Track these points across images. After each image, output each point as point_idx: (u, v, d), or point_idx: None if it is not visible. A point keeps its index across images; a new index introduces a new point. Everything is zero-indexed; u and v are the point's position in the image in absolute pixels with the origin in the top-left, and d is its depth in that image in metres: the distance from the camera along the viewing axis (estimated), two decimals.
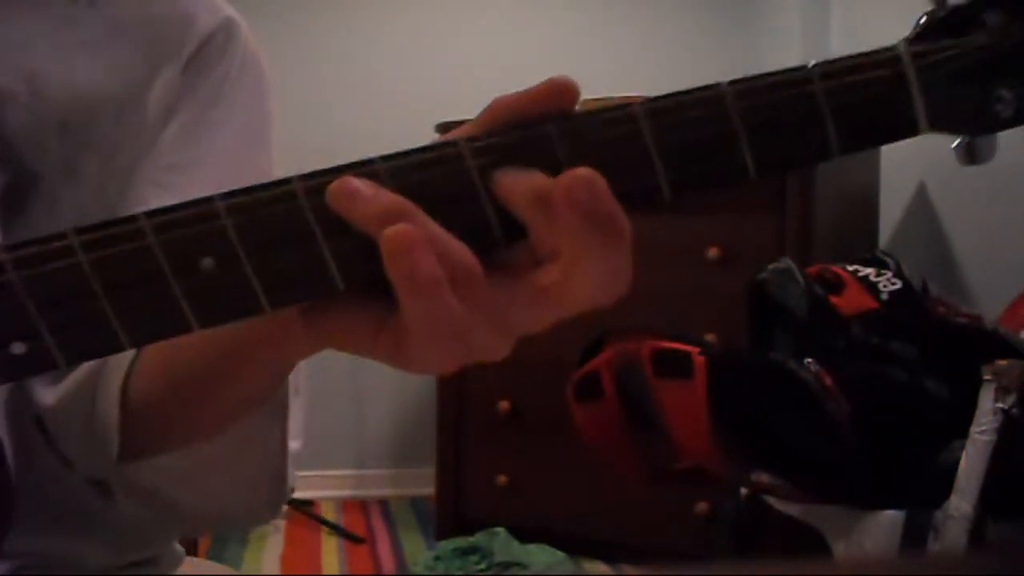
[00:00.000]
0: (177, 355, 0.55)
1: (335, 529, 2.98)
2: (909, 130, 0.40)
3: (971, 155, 0.41)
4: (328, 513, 3.15)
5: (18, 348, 0.41)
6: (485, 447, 2.84)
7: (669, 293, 2.51)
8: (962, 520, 1.44)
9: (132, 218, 0.41)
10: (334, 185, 0.40)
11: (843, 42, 3.22)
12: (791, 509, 1.71)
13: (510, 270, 0.41)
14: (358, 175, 0.41)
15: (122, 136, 0.59)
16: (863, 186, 2.80)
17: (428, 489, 3.13)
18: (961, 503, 1.45)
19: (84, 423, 0.58)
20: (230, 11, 0.65)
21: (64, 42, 0.57)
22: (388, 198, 0.39)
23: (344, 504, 3.31)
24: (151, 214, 0.41)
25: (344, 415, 3.42)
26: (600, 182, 0.39)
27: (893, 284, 1.73)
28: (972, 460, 1.46)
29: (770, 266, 1.78)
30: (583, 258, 0.39)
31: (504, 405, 2.76)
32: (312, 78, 3.29)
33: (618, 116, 0.42)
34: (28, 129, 0.56)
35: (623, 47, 3.47)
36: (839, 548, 1.63)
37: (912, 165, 2.90)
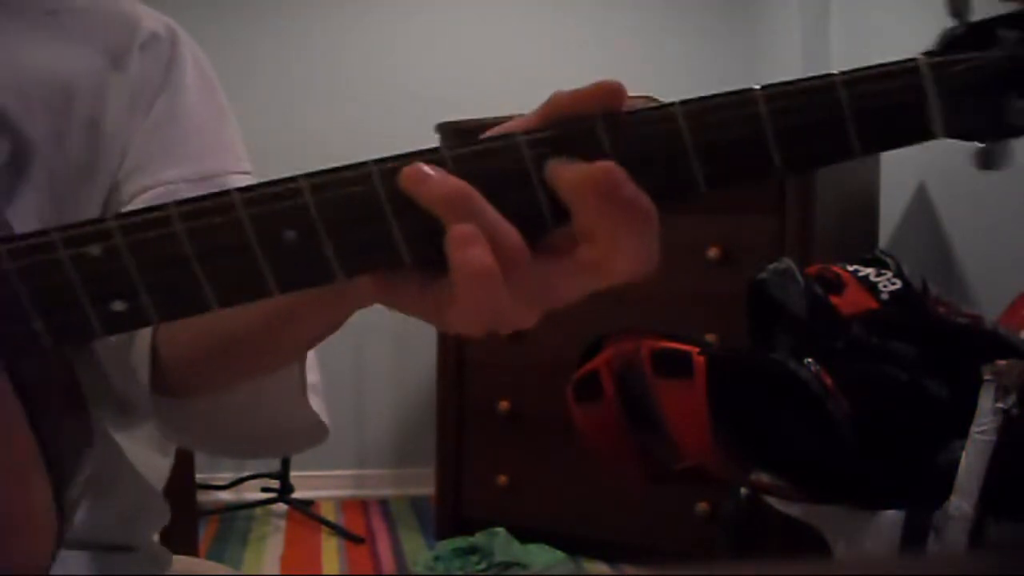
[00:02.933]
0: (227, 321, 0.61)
1: (335, 529, 2.98)
2: (925, 135, 0.44)
3: (987, 161, 0.44)
4: (328, 513, 3.16)
5: (119, 306, 0.46)
6: (485, 447, 2.84)
7: (669, 293, 2.51)
8: (962, 520, 1.44)
9: (225, 193, 0.45)
10: (407, 169, 0.45)
11: (843, 43, 3.22)
12: (791, 509, 1.71)
13: (553, 250, 0.46)
14: (427, 161, 0.45)
15: (97, 114, 0.70)
16: (863, 186, 2.80)
17: (428, 489, 3.13)
18: (961, 503, 1.45)
19: (123, 348, 0.66)
20: (168, 19, 0.78)
21: (39, 40, 0.70)
22: (453, 183, 0.45)
23: (344, 504, 3.31)
24: (243, 190, 0.45)
25: (344, 415, 3.42)
26: (618, 172, 0.44)
27: (893, 284, 1.73)
28: (972, 460, 1.46)
29: (770, 266, 1.78)
30: (614, 238, 0.44)
31: (504, 405, 2.76)
32: (313, 78, 3.30)
33: (658, 115, 0.46)
34: (23, 109, 0.67)
35: (624, 48, 3.47)
36: (839, 548, 1.63)
37: (912, 165, 2.90)
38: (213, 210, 0.45)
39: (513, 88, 3.31)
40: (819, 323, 1.68)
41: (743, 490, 1.81)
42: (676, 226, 2.53)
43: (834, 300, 1.70)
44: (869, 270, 1.76)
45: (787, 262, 1.77)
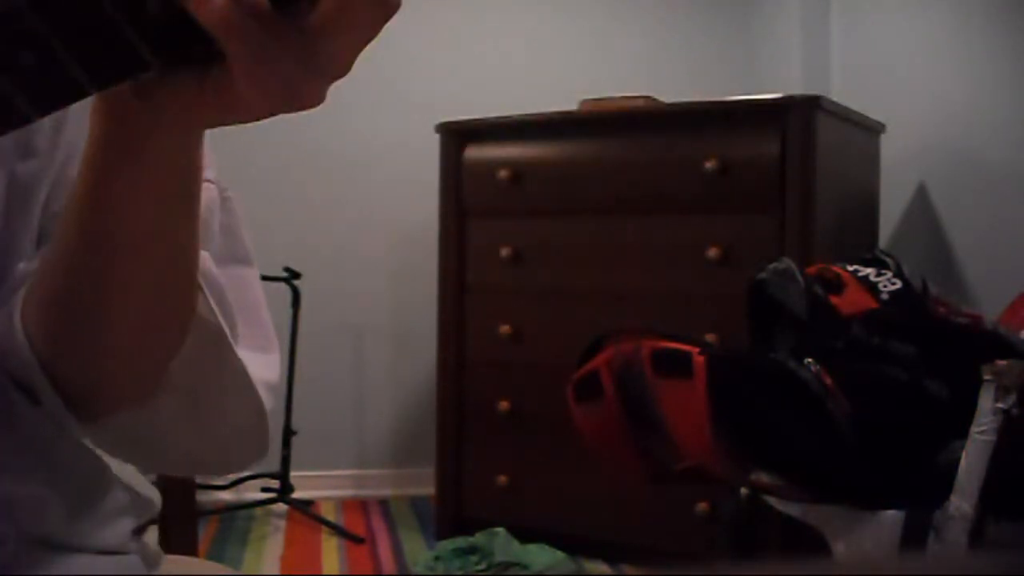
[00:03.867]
0: (64, 240, 0.59)
1: (335, 529, 2.98)
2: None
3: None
4: (328, 513, 3.16)
5: None
6: (485, 447, 2.84)
7: (669, 293, 2.51)
8: (962, 520, 1.44)
9: None
10: None
11: (843, 43, 3.22)
12: (791, 509, 1.71)
13: (316, 20, 0.47)
14: None
15: (62, 114, 0.67)
16: (863, 186, 2.80)
17: (428, 489, 3.13)
18: (961, 503, 1.45)
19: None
20: None
21: None
22: None
23: (344, 504, 3.31)
24: None
25: (344, 415, 3.42)
26: None
27: (893, 284, 1.73)
28: (972, 460, 1.46)
29: (770, 266, 1.78)
30: None
31: (504, 405, 2.76)
32: None
33: None
34: None
35: (626, 50, 3.47)
36: (839, 548, 1.63)
37: (912, 165, 2.90)
38: None
39: (513, 88, 3.31)
40: (819, 323, 1.68)
41: (743, 490, 1.81)
42: (676, 226, 2.54)
43: (834, 300, 1.70)
44: (869, 270, 1.76)
45: (787, 262, 1.77)
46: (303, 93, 0.48)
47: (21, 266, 0.65)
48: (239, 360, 0.65)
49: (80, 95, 0.46)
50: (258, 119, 0.50)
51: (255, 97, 0.47)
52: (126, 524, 0.75)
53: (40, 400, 0.64)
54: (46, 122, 0.65)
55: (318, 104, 0.48)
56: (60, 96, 0.46)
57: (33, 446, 0.67)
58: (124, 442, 0.68)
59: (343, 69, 0.49)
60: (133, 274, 0.59)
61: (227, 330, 0.64)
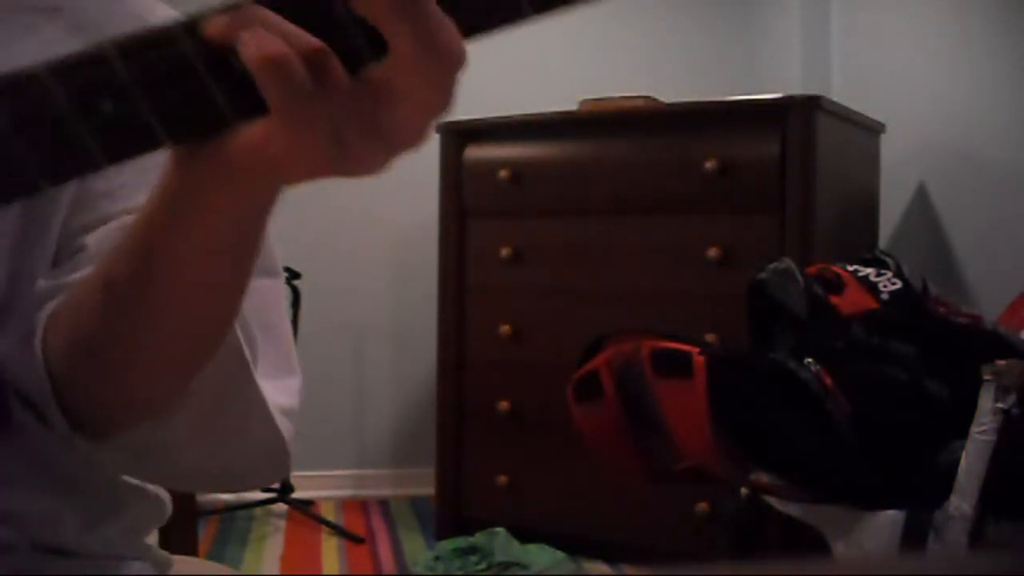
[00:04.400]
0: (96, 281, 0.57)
1: (335, 529, 2.98)
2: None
3: None
4: (328, 513, 3.15)
5: None
6: (485, 447, 2.84)
7: (669, 293, 2.51)
8: (962, 520, 1.44)
9: (31, 70, 0.44)
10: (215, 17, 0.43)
11: (843, 44, 3.22)
12: (791, 509, 1.71)
13: (378, 82, 0.43)
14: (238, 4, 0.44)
15: None
16: (863, 186, 2.80)
17: (428, 489, 3.13)
18: (961, 503, 1.45)
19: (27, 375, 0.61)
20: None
21: (30, 46, 0.62)
22: (252, 9, 0.43)
23: (344, 504, 3.31)
24: (50, 66, 0.44)
25: (344, 415, 3.42)
26: None
27: (893, 284, 1.73)
28: (972, 460, 1.46)
29: (770, 266, 1.78)
30: (418, 54, 0.42)
31: (504, 405, 2.76)
32: None
33: None
34: None
35: (626, 50, 3.47)
36: (839, 548, 1.63)
37: (912, 165, 2.90)
38: (22, 88, 0.44)
39: (513, 88, 3.30)
40: (819, 323, 1.68)
41: (743, 490, 1.81)
42: (676, 226, 2.54)
43: (834, 300, 1.70)
44: (869, 270, 1.76)
45: (787, 262, 1.78)
46: (358, 158, 0.44)
47: (40, 283, 0.63)
48: (258, 389, 0.63)
49: (154, 147, 0.45)
50: (305, 180, 0.46)
51: (291, 157, 0.43)
52: (142, 533, 0.75)
53: (46, 419, 0.62)
54: None
55: (376, 173, 0.45)
56: (134, 146, 0.45)
57: (44, 463, 0.66)
58: (130, 458, 0.66)
59: (410, 138, 0.44)
60: (171, 313, 0.56)
61: (249, 357, 0.62)
